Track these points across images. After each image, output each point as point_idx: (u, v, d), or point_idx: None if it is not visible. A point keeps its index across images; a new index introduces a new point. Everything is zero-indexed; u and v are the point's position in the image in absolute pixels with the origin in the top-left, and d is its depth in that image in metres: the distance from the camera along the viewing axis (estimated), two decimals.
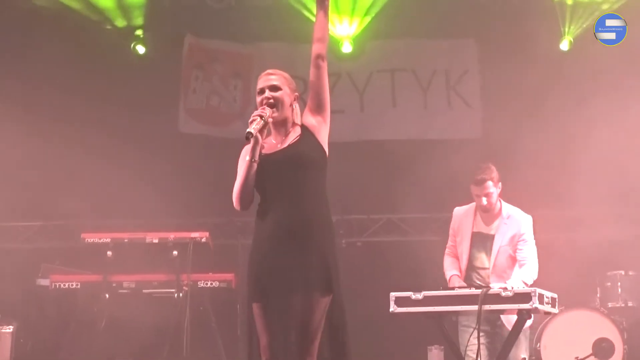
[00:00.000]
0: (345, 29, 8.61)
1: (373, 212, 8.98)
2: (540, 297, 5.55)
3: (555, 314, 6.61)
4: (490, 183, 5.80)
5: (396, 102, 8.99)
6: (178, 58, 8.86)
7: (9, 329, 7.23)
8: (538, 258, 6.30)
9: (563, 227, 8.60)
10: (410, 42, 8.94)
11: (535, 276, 5.80)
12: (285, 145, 4.04)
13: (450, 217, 6.96)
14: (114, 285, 7.09)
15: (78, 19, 8.51)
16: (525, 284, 5.63)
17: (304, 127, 4.07)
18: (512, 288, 5.64)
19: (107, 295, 7.07)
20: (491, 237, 5.88)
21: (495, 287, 5.74)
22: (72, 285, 7.15)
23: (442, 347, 7.50)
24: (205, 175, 8.30)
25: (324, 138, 4.10)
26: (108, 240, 7.12)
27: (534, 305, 5.47)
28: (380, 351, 7.85)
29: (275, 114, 3.96)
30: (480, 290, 5.56)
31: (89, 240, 7.15)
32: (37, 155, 8.11)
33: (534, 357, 7.31)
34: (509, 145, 8.05)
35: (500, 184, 5.87)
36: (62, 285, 7.14)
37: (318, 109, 4.15)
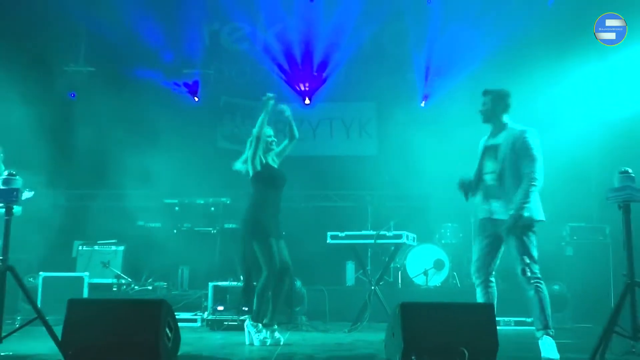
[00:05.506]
0: (307, 92, 10.43)
1: (319, 189, 10.42)
2: (407, 236, 7.45)
3: (414, 246, 8.66)
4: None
5: (333, 135, 10.86)
6: (217, 105, 10.60)
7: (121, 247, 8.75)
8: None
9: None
10: (341, 104, 10.82)
11: None
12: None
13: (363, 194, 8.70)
14: (179, 225, 9.05)
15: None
16: None
17: None
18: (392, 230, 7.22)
19: (174, 231, 9.08)
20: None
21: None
22: (156, 225, 9.23)
23: (354, 262, 9.06)
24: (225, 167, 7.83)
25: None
26: (176, 201, 9.11)
27: (402, 240, 7.38)
28: (320, 265, 9.02)
29: None
30: (374, 232, 7.30)
31: (166, 201, 9.20)
32: (144, 156, 8.93)
33: (401, 269, 8.87)
34: (393, 160, 9.54)
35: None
36: (149, 225, 9.27)
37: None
